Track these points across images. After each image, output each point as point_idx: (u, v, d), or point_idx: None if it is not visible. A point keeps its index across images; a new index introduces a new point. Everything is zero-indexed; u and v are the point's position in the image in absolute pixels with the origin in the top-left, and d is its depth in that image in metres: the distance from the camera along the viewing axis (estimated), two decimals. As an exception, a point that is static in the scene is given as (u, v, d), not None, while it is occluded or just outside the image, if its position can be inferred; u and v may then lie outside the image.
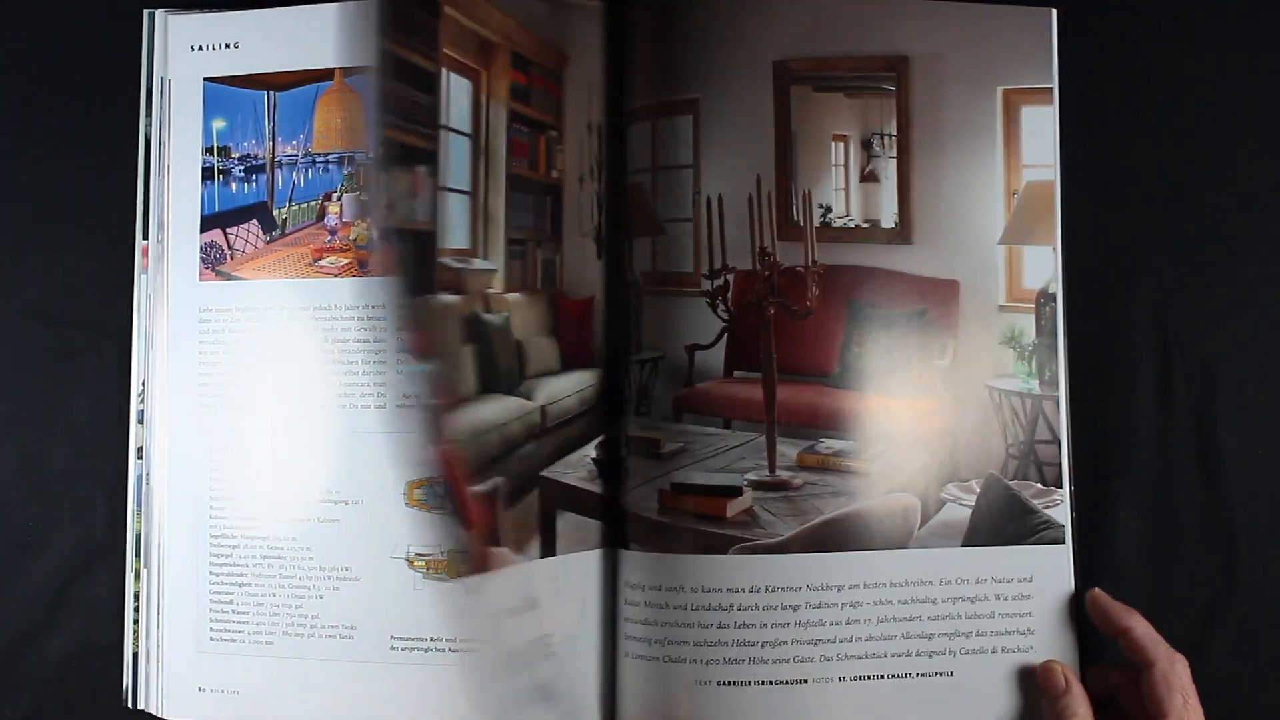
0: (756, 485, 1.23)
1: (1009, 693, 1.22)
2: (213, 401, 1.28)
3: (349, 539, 1.25)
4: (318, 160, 1.27)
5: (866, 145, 1.25)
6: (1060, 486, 1.24)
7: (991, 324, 1.25)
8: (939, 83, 1.25)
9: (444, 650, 1.24)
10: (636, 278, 1.22)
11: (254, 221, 1.27)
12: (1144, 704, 1.13)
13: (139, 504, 1.25)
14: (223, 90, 1.28)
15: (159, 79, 1.27)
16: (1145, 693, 1.12)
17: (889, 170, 1.24)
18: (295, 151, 1.28)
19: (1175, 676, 1.11)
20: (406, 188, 1.13)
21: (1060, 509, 1.24)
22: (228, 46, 1.28)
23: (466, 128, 1.21)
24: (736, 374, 1.25)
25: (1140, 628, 1.15)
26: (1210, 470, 1.27)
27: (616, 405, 1.25)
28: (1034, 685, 1.22)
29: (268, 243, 1.27)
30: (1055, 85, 1.27)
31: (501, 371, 1.23)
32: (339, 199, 1.27)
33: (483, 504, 1.18)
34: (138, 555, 1.25)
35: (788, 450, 1.23)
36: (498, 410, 1.22)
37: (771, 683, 1.19)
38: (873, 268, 1.23)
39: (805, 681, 1.19)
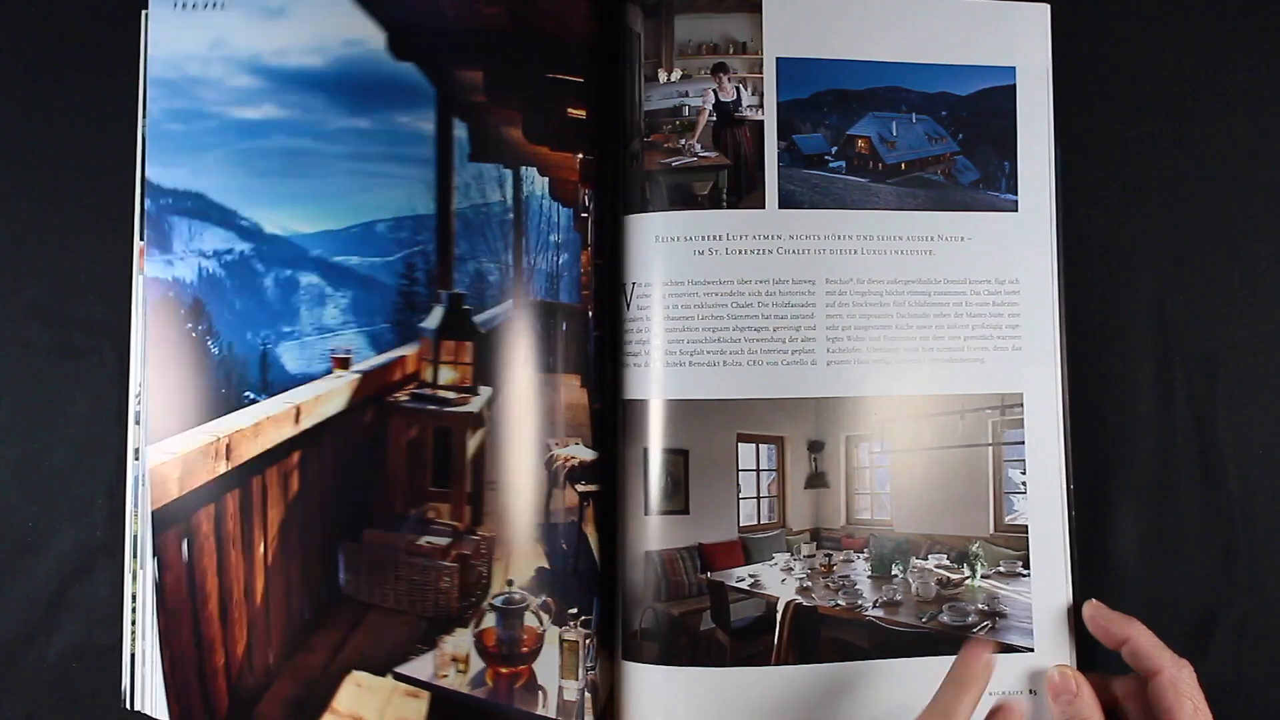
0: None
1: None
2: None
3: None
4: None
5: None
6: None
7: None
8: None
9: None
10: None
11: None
12: (1150, 712, 1.13)
13: (136, 505, 1.21)
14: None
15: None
16: (1153, 701, 1.12)
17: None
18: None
19: (1183, 683, 1.11)
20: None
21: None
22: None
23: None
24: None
25: (1143, 636, 1.15)
26: (1210, 470, 1.29)
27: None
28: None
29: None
30: (1049, 83, 1.28)
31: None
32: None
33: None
34: (134, 556, 1.21)
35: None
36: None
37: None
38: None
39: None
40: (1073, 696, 1.16)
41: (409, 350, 1.25)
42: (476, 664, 1.23)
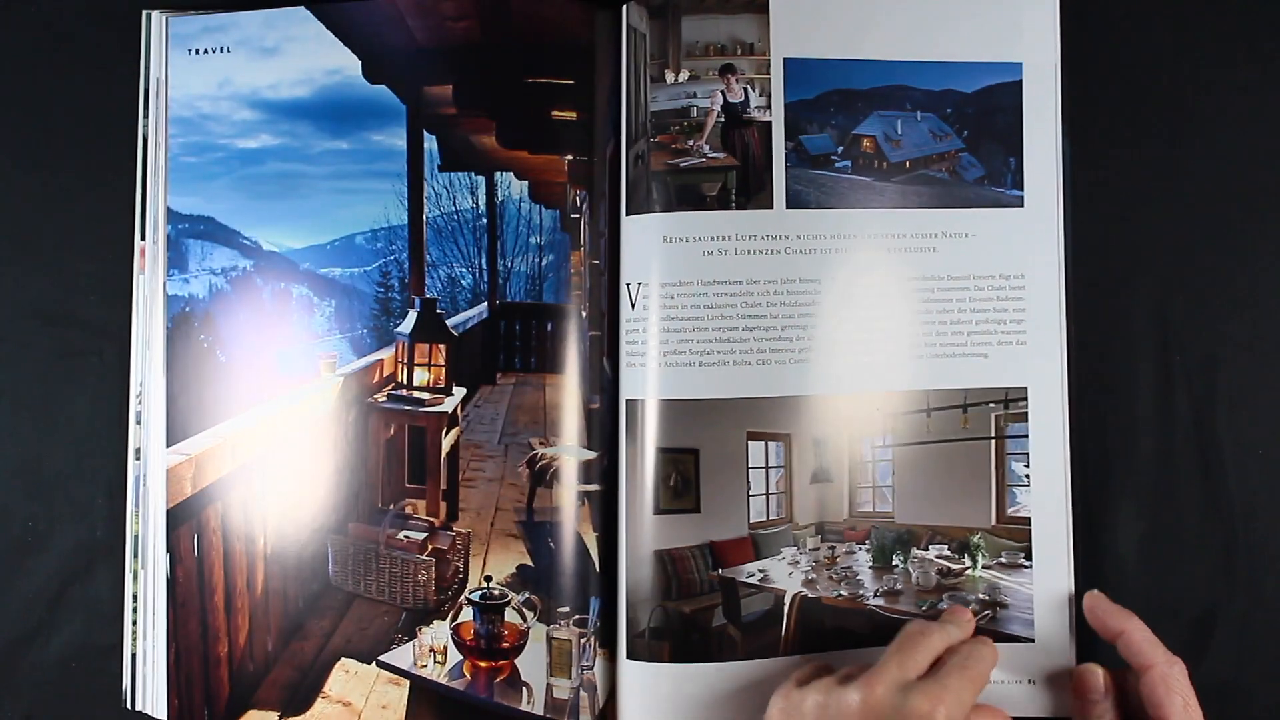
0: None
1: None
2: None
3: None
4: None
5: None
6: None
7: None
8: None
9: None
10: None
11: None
12: (1142, 708, 1.14)
13: (136, 505, 1.25)
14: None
15: (154, 80, 1.26)
16: (1144, 696, 1.14)
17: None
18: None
19: (1174, 679, 1.13)
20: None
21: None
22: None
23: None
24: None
25: (1138, 631, 1.16)
26: (1210, 470, 1.30)
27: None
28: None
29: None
30: (1058, 78, 1.29)
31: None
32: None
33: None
34: (135, 556, 1.25)
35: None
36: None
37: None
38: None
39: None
40: (1100, 697, 1.17)
41: (385, 354, 1.29)
42: (455, 656, 1.28)
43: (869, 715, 1.06)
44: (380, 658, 1.27)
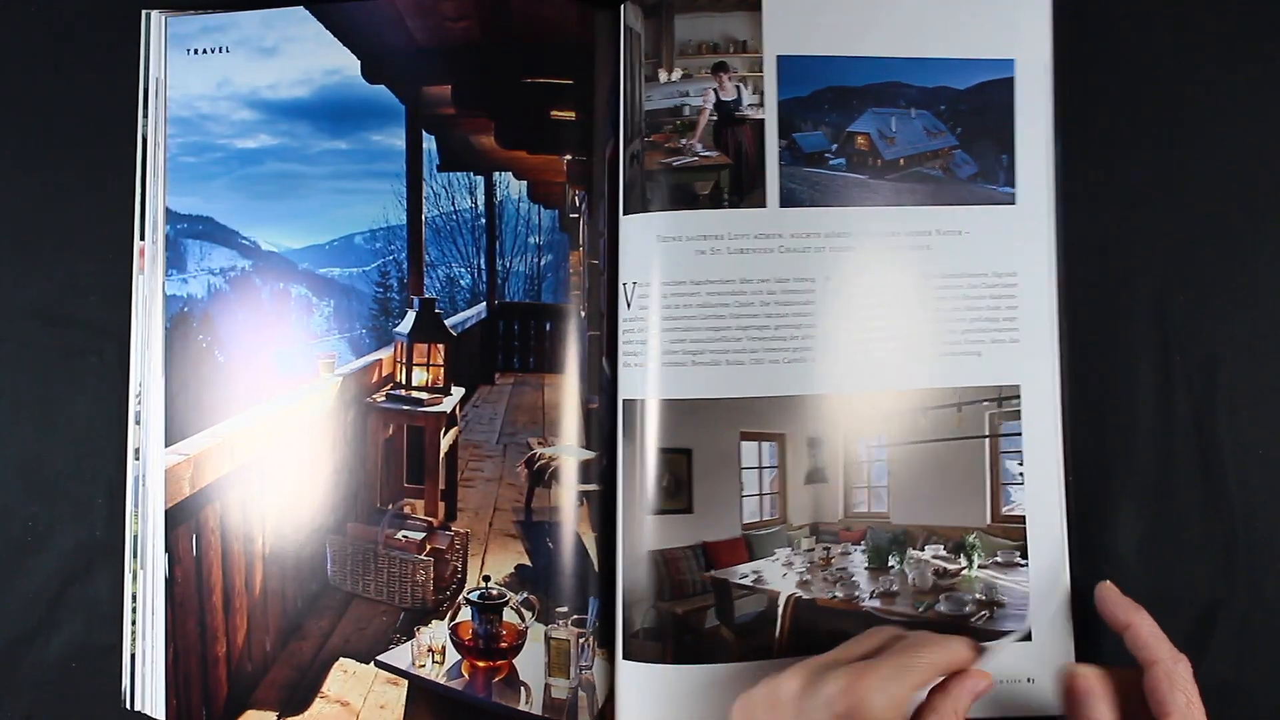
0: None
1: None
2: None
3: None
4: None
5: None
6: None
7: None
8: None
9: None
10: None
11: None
12: (1144, 704, 1.13)
13: (136, 505, 1.25)
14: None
15: (154, 80, 1.27)
16: (1147, 691, 1.13)
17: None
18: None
19: (1178, 675, 1.12)
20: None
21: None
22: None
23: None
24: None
25: (1145, 625, 1.16)
26: (1210, 470, 1.31)
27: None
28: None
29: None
30: (1049, 75, 1.30)
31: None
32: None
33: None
34: (135, 556, 1.25)
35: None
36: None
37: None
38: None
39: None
40: (1097, 699, 1.17)
41: (384, 354, 1.30)
42: (453, 656, 1.29)
43: (801, 697, 1.07)
44: (378, 657, 1.27)
